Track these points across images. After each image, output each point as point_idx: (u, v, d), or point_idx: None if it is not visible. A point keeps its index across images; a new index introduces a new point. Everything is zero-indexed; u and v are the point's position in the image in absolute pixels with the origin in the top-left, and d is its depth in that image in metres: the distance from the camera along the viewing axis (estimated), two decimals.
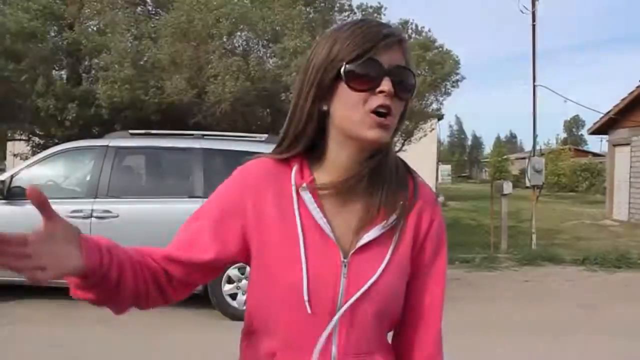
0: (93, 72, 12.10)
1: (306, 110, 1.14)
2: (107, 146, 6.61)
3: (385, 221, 1.15)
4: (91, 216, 6.21)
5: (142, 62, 10.81)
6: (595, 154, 41.37)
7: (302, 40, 9.78)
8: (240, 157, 5.62)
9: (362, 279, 1.11)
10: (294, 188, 1.16)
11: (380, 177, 1.16)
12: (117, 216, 6.22)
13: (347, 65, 1.08)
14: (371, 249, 1.14)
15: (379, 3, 12.65)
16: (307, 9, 11.78)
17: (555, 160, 32.73)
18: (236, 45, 11.25)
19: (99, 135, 10.81)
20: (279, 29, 10.26)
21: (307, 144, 1.17)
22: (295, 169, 1.18)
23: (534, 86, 12.39)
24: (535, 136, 12.47)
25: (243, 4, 11.07)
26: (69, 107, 10.65)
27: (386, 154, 1.17)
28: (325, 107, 1.12)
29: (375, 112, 1.07)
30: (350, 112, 1.09)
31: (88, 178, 6.62)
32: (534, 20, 12.32)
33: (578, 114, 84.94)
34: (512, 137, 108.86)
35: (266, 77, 10.18)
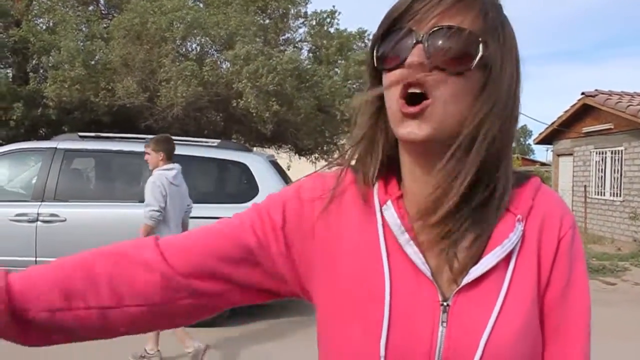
0: (41, 71, 11.82)
1: (368, 116, 0.88)
2: (55, 148, 6.47)
3: (500, 245, 0.82)
4: (37, 220, 6.07)
5: (93, 63, 10.62)
6: (542, 163, 42.66)
7: (254, 47, 9.79)
8: (191, 162, 5.60)
9: (471, 329, 0.80)
10: (377, 206, 0.88)
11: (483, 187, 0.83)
12: (64, 220, 6.09)
13: (378, 47, 0.83)
14: (481, 285, 0.82)
15: (334, 7, 12.82)
16: (262, 15, 11.82)
17: None
18: (190, 49, 11.19)
19: (46, 137, 10.59)
20: (232, 35, 10.25)
21: (383, 158, 0.89)
22: (379, 182, 0.89)
23: None
24: None
25: (198, 9, 11.02)
26: (15, 106, 10.37)
27: (462, 152, 0.80)
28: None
29: (407, 96, 0.79)
30: (389, 102, 0.82)
31: (34, 181, 6.47)
32: None
33: (526, 124, 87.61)
34: None
35: (219, 82, 10.16)
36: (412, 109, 0.77)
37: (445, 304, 0.81)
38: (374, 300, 0.82)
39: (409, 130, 0.78)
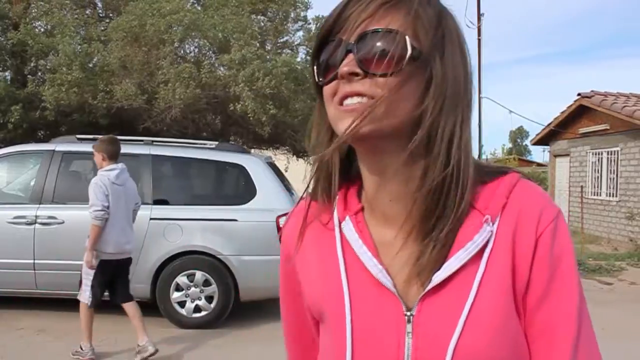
0: (39, 74, 11.83)
1: (322, 126, 0.87)
2: (53, 151, 6.50)
3: (462, 248, 0.79)
4: (35, 222, 6.10)
5: (90, 65, 10.62)
6: (538, 164, 42.69)
7: (249, 51, 9.80)
8: (190, 164, 5.63)
9: (438, 337, 0.78)
10: (336, 223, 0.87)
11: (440, 190, 0.79)
12: (62, 222, 6.12)
13: (315, 61, 0.82)
14: (446, 291, 0.79)
15: None
16: (259, 18, 11.83)
17: None
18: (188, 51, 11.21)
19: (44, 139, 10.59)
20: (228, 37, 10.26)
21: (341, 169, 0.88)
22: (339, 199, 0.88)
23: (480, 98, 12.83)
24: (480, 146, 12.92)
25: (195, 11, 11.03)
26: (13, 109, 10.37)
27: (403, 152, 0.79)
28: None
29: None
30: (329, 110, 0.81)
31: (32, 183, 6.49)
32: (479, 34, 12.79)
33: (522, 125, 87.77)
34: None
35: (217, 85, 10.18)
36: (352, 105, 0.76)
37: (409, 314, 0.79)
38: (337, 320, 0.83)
39: (347, 125, 0.76)
